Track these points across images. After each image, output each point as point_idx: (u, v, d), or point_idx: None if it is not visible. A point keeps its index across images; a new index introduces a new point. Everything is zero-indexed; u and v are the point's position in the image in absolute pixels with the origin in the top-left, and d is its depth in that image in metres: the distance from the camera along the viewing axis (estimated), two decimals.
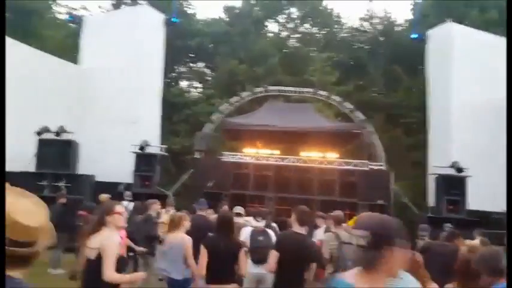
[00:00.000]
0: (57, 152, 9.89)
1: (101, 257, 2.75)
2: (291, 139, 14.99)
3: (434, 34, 14.03)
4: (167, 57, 14.77)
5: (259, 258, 4.65)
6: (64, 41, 20.01)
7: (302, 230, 3.73)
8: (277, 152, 14.22)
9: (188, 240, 4.00)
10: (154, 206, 6.38)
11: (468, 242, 5.18)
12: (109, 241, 2.81)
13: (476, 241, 6.10)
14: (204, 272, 3.58)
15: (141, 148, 10.78)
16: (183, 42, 21.58)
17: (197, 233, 4.38)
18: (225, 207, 7.24)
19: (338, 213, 5.23)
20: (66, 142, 10.08)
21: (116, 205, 3.07)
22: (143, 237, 5.88)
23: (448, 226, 7.14)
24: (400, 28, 23.91)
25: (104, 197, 7.37)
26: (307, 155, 13.73)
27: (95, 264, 2.77)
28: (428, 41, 14.15)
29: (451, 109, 12.67)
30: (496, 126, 11.93)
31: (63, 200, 7.61)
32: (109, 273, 2.73)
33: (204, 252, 3.57)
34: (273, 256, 3.57)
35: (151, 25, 13.53)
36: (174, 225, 4.12)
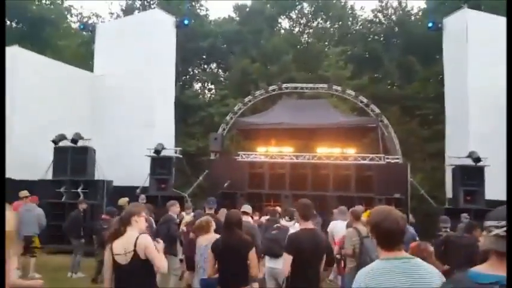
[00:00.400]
0: (73, 158, 10.09)
1: (136, 259, 2.73)
2: (306, 136, 14.92)
3: (450, 22, 13.60)
4: (180, 59, 14.94)
5: (272, 252, 4.79)
6: (78, 50, 20.53)
7: (309, 225, 3.66)
8: (292, 149, 14.18)
9: None
10: (174, 208, 6.45)
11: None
12: (144, 239, 2.80)
13: None
14: (211, 273, 3.59)
15: (156, 151, 10.91)
16: (195, 44, 21.78)
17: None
18: (246, 207, 7.27)
19: (356, 208, 5.31)
20: (82, 149, 10.27)
21: (143, 208, 3.13)
22: (163, 237, 5.99)
23: (465, 217, 7.00)
24: (414, 17, 23.29)
25: (124, 200, 7.47)
26: (322, 151, 13.62)
27: (130, 269, 2.73)
28: (444, 29, 13.74)
29: (468, 98, 12.31)
30: None
31: (84, 206, 7.86)
32: (163, 264, 2.84)
33: (210, 256, 3.58)
34: (286, 260, 3.45)
35: (163, 28, 13.68)
36: (203, 228, 4.22)
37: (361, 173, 12.13)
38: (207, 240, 4.00)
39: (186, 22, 14.40)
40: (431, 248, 4.08)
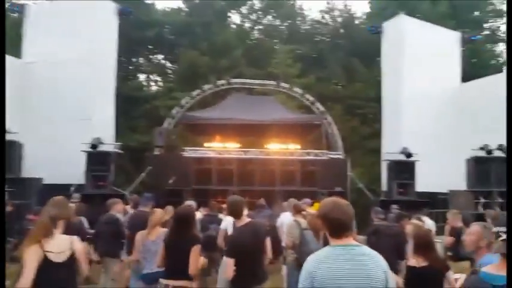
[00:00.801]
0: None
1: (73, 259, 2.94)
2: (253, 132, 15.00)
3: (388, 27, 14.53)
4: (123, 49, 14.12)
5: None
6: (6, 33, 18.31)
7: (243, 220, 3.63)
8: (240, 145, 14.19)
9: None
10: (117, 207, 5.87)
11: (414, 221, 5.40)
12: (80, 243, 3.09)
13: (425, 220, 6.46)
14: (159, 264, 3.63)
15: (93, 146, 10.22)
16: (141, 33, 20.75)
17: (133, 230, 4.49)
18: (189, 203, 7.09)
19: (297, 202, 5.57)
20: (8, 143, 9.18)
21: (69, 212, 3.36)
22: (107, 239, 5.44)
23: (394, 207, 7.47)
24: (359, 21, 24.49)
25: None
26: (269, 147, 13.84)
27: (66, 266, 2.92)
28: (383, 33, 14.63)
29: (402, 98, 13.30)
30: (441, 113, 12.77)
31: (9, 208, 6.98)
32: (87, 267, 3.20)
33: (162, 248, 3.60)
34: (229, 265, 3.45)
35: (103, 15, 12.77)
36: (154, 222, 4.17)
37: (306, 168, 12.58)
38: (155, 235, 4.03)
39: (127, 10, 13.67)
40: (357, 237, 4.32)
